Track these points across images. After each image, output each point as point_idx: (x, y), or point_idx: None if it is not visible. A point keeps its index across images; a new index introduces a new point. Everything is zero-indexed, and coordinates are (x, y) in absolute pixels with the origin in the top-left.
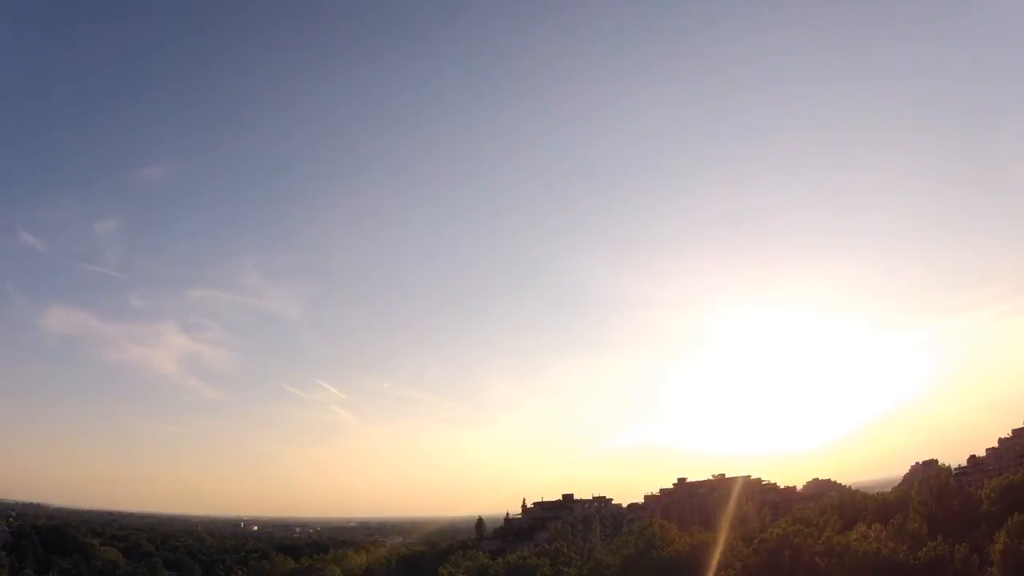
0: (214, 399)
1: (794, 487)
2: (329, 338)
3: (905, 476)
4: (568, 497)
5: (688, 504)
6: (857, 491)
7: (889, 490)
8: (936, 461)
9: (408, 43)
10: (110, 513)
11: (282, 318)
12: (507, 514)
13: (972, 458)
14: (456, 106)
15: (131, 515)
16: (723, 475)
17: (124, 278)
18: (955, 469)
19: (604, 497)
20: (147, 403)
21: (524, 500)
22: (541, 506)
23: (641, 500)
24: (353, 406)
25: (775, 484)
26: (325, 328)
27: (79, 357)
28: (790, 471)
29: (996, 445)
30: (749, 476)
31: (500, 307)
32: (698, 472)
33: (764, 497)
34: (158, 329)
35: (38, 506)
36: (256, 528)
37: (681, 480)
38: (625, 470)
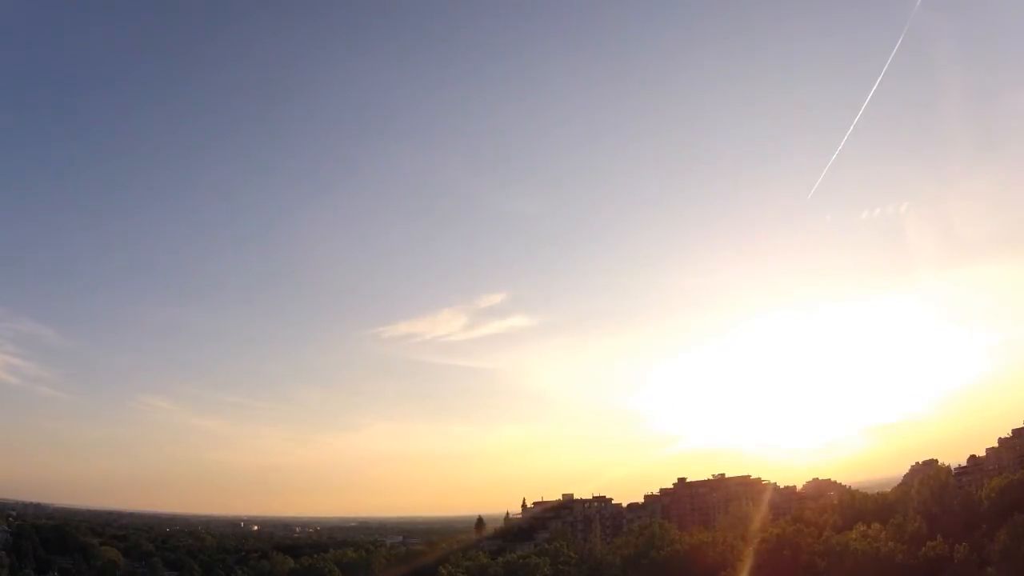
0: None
1: (794, 487)
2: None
3: (905, 476)
4: (568, 497)
5: (688, 504)
6: (857, 491)
7: (889, 490)
8: (936, 461)
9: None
10: (110, 513)
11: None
12: (507, 514)
13: (972, 458)
14: None
15: (131, 515)
16: (723, 475)
17: None
18: (955, 469)
19: (604, 497)
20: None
21: (524, 500)
22: (541, 506)
23: (641, 500)
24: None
25: (775, 484)
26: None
27: None
28: (790, 471)
29: (996, 445)
30: (749, 476)
31: None
32: (699, 471)
33: (764, 497)
34: None
35: (38, 506)
36: (256, 528)
37: (681, 480)
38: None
